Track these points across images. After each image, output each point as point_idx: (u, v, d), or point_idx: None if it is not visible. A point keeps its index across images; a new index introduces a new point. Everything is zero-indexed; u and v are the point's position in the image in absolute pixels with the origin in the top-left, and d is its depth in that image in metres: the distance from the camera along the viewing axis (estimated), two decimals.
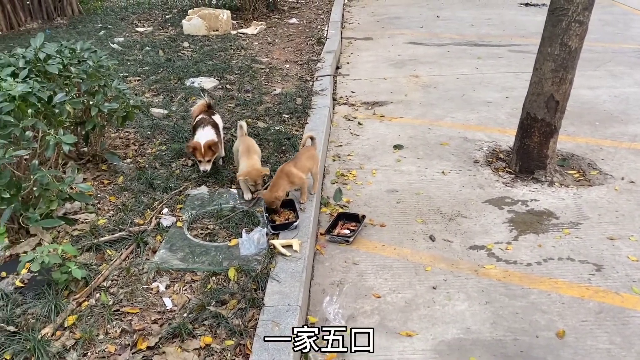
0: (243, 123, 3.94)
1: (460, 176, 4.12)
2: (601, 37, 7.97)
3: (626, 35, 8.06)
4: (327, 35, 8.23)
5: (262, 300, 2.65)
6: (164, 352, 2.39)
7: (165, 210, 3.49)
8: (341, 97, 5.95)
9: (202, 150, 3.72)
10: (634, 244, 3.20)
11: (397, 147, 4.65)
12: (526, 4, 10.59)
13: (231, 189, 3.76)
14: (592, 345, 2.48)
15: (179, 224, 3.34)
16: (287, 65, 6.77)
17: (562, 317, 2.66)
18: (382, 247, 3.32)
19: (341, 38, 8.42)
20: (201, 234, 3.28)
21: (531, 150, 4.03)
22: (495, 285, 2.91)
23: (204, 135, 3.83)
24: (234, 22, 8.79)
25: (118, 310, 2.64)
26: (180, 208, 3.53)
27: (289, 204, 3.45)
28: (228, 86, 5.83)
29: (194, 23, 8.18)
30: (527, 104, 4.01)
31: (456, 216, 3.58)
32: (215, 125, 4.01)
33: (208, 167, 3.81)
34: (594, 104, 5.41)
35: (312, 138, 3.74)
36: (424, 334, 2.59)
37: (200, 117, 4.09)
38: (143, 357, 2.36)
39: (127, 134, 4.67)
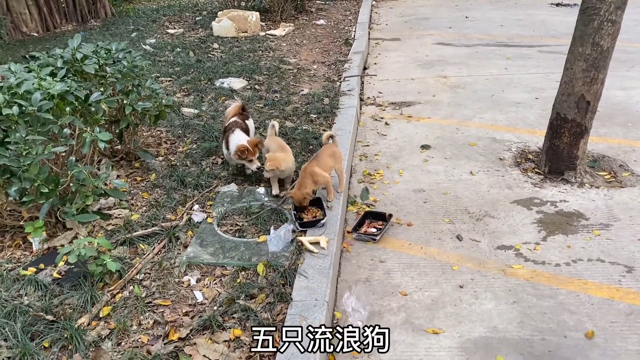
0: (275, 123, 4.00)
1: (489, 176, 4.10)
2: (634, 37, 7.82)
3: None
4: (354, 36, 8.27)
5: (290, 295, 2.70)
6: (194, 343, 2.46)
7: (196, 206, 3.58)
8: (368, 97, 5.97)
9: (252, 149, 3.75)
10: None
11: (425, 147, 4.66)
12: (557, 4, 10.44)
13: (258, 188, 3.82)
14: (621, 347, 2.45)
15: (209, 220, 3.42)
16: (315, 66, 6.83)
17: (591, 318, 2.64)
18: (408, 245, 3.33)
19: (369, 39, 8.44)
20: (230, 229, 3.35)
21: (561, 151, 3.98)
22: (523, 285, 2.90)
23: (237, 139, 3.83)
24: (263, 23, 8.90)
25: (150, 302, 2.73)
26: (211, 205, 3.61)
27: (316, 202, 3.50)
28: (257, 87, 5.91)
29: (224, 25, 8.31)
30: (557, 104, 3.97)
31: (484, 216, 3.57)
32: (246, 129, 4.04)
33: (258, 163, 3.84)
34: (626, 105, 5.32)
35: (332, 136, 3.78)
36: (451, 331, 2.60)
37: (233, 120, 4.10)
38: (175, 347, 2.43)
39: (159, 132, 4.79)
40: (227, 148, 3.87)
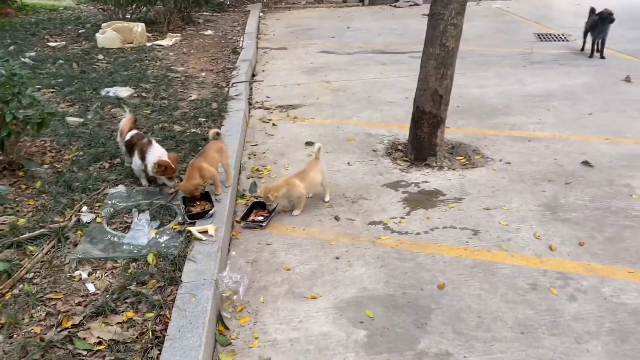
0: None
1: (364, 166, 4.56)
2: (492, 42, 8.84)
3: (514, 40, 8.96)
4: (242, 45, 8.57)
5: (180, 278, 2.91)
6: (88, 328, 2.59)
7: (85, 208, 3.66)
8: (257, 101, 6.28)
9: (173, 166, 3.75)
10: (506, 212, 3.75)
11: (309, 143, 5.04)
12: (428, 15, 11.43)
13: (148, 187, 3.97)
14: (465, 292, 2.94)
15: (98, 219, 3.53)
16: (203, 74, 7.03)
17: (443, 273, 3.12)
18: (292, 229, 3.67)
19: (257, 48, 8.77)
20: (120, 227, 3.48)
21: (422, 140, 4.54)
22: (389, 252, 3.34)
23: (157, 152, 3.83)
24: (149, 34, 8.91)
25: (42, 297, 2.81)
26: (99, 206, 3.71)
27: (205, 197, 3.72)
28: (144, 94, 6.00)
29: (108, 36, 8.24)
30: (417, 98, 4.53)
31: (358, 199, 4.01)
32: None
33: (176, 181, 3.84)
34: (482, 100, 6.08)
35: (218, 133, 4.04)
36: (327, 295, 2.96)
37: (134, 133, 4.08)
38: (69, 332, 2.55)
39: (43, 142, 4.74)
40: (142, 160, 3.84)
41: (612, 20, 7.30)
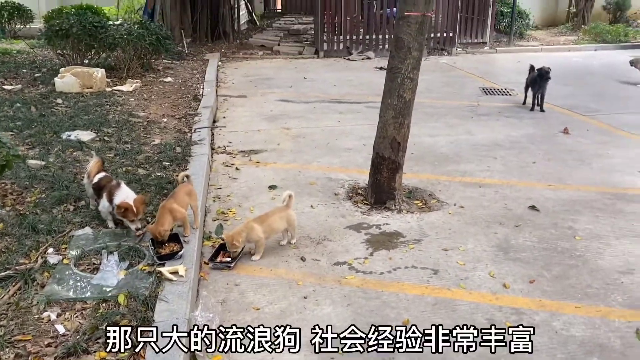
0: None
1: (326, 208, 4.74)
2: (441, 95, 9.39)
3: (461, 94, 9.55)
4: (202, 92, 8.74)
5: (152, 317, 2.94)
6: None
7: (51, 250, 3.63)
8: (219, 146, 6.41)
9: (135, 209, 3.76)
10: (462, 253, 3.98)
11: (272, 187, 5.19)
12: (380, 68, 12.00)
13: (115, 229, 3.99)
14: (429, 326, 3.10)
15: (65, 261, 3.51)
16: (165, 119, 7.13)
17: (407, 310, 3.28)
18: (260, 269, 3.76)
19: (217, 95, 8.96)
20: (88, 268, 3.47)
21: (382, 184, 4.78)
22: (355, 291, 3.48)
23: (124, 194, 3.86)
24: (109, 80, 8.96)
25: (10, 339, 2.76)
26: (66, 248, 3.68)
27: (173, 238, 3.78)
28: (106, 138, 6.03)
29: (67, 81, 8.25)
30: (376, 145, 4.80)
31: (323, 240, 4.16)
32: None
33: (140, 224, 3.84)
34: (434, 148, 6.44)
35: (187, 176, 4.15)
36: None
37: (102, 175, 4.11)
38: None
39: (3, 184, 4.68)
40: (110, 202, 3.86)
41: (549, 78, 7.96)
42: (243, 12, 17.33)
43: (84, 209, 4.31)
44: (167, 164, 5.34)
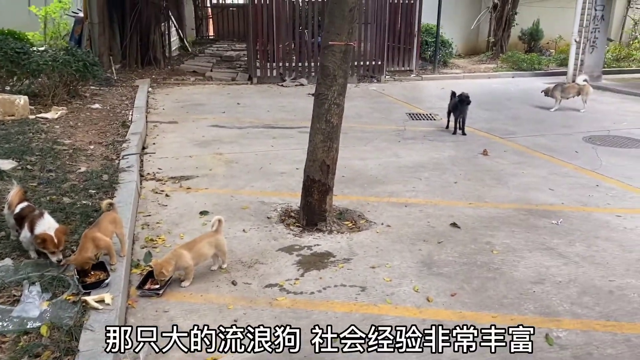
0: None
1: (259, 232, 4.79)
2: (371, 120, 9.72)
3: (389, 119, 9.92)
4: (131, 119, 8.60)
5: (77, 347, 2.87)
6: None
7: None
8: (148, 173, 6.33)
9: (55, 240, 3.66)
10: (389, 269, 4.14)
11: (203, 213, 5.18)
12: (313, 94, 12.27)
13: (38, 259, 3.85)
14: None
15: None
16: (92, 147, 6.96)
17: (335, 327, 3.36)
18: (190, 295, 3.75)
19: (146, 122, 8.85)
20: (8, 301, 3.34)
21: (313, 206, 4.90)
22: (286, 312, 3.54)
23: (46, 224, 3.75)
24: (32, 107, 8.64)
25: None
26: None
27: (99, 266, 3.70)
28: (29, 167, 5.81)
29: None
30: (307, 168, 4.92)
31: (255, 263, 4.20)
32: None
33: (60, 255, 3.73)
34: (363, 171, 6.66)
35: (111, 204, 4.09)
36: (228, 357, 3.05)
37: (24, 205, 3.99)
38: None
39: None
40: (31, 232, 3.73)
41: (469, 102, 8.46)
42: (174, 38, 17.23)
43: (3, 239, 4.15)
44: (94, 191, 5.22)
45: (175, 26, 17.45)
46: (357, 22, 4.73)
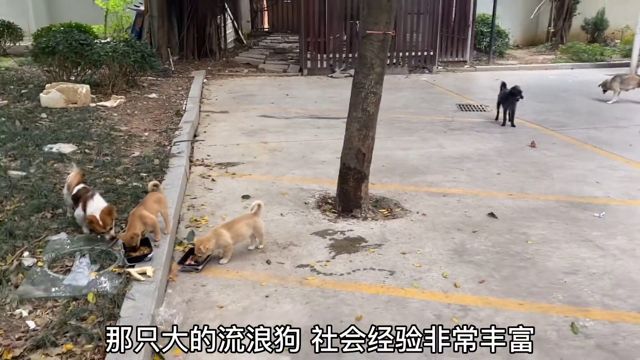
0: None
1: (295, 217, 4.96)
2: (418, 111, 9.69)
3: (437, 109, 9.86)
4: (185, 108, 8.99)
5: (119, 314, 3.13)
6: (29, 359, 2.76)
7: (26, 253, 3.82)
8: (197, 159, 6.64)
9: (100, 222, 3.92)
10: (419, 256, 4.21)
11: (245, 197, 5.41)
12: None
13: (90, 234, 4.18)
14: (379, 322, 3.30)
15: (39, 263, 3.70)
16: (146, 133, 7.35)
17: (361, 307, 3.49)
18: (227, 272, 3.97)
19: (199, 111, 9.21)
20: (61, 270, 3.66)
21: (349, 194, 5.01)
22: (315, 291, 3.69)
23: (95, 204, 4.02)
24: (93, 95, 9.19)
25: None
26: (41, 251, 3.88)
27: (145, 243, 3.98)
28: (87, 150, 6.24)
29: (52, 96, 8.47)
30: (343, 156, 5.04)
31: (289, 245, 4.37)
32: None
33: (113, 233, 4.00)
34: (405, 161, 6.69)
35: (156, 185, 4.37)
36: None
37: (81, 187, 4.30)
38: None
39: None
40: (84, 211, 4.03)
41: (521, 97, 8.28)
42: (230, 30, 17.70)
43: (61, 216, 4.51)
44: (145, 174, 5.55)
45: (231, 19, 17.91)
46: (394, 12, 4.78)
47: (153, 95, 10.11)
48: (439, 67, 14.58)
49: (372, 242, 4.44)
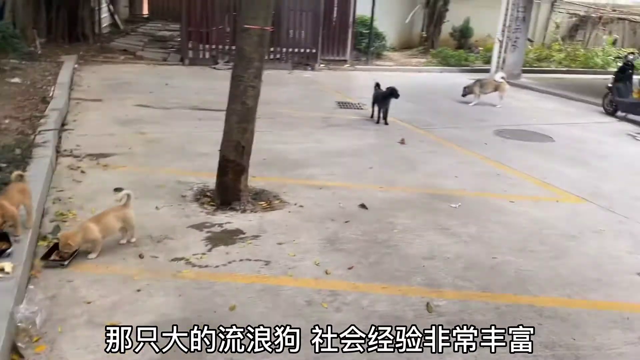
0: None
1: (171, 210, 4.89)
2: (300, 107, 9.92)
3: (319, 106, 10.15)
4: (53, 95, 8.38)
5: None
6: None
7: None
8: (65, 150, 6.25)
9: None
10: (294, 246, 4.38)
11: (117, 189, 5.17)
12: None
13: None
14: (253, 310, 3.42)
15: None
16: (7, 121, 6.77)
17: (235, 297, 3.57)
18: (95, 267, 3.83)
19: (69, 98, 8.64)
20: None
21: (228, 186, 5.05)
22: (189, 283, 3.69)
23: None
24: None
25: None
26: None
27: (3, 237, 3.71)
28: None
29: None
30: (222, 148, 5.06)
31: (164, 239, 4.31)
32: None
33: None
34: (285, 155, 6.85)
35: (21, 175, 4.09)
36: (127, 322, 3.17)
37: None
38: None
39: None
40: None
41: (396, 96, 8.79)
42: (105, 14, 16.70)
43: None
44: (4, 165, 5.12)
45: (106, 2, 16.89)
46: (272, 8, 4.89)
47: (16, 79, 9.29)
48: (321, 65, 14.99)
49: (249, 234, 4.52)
